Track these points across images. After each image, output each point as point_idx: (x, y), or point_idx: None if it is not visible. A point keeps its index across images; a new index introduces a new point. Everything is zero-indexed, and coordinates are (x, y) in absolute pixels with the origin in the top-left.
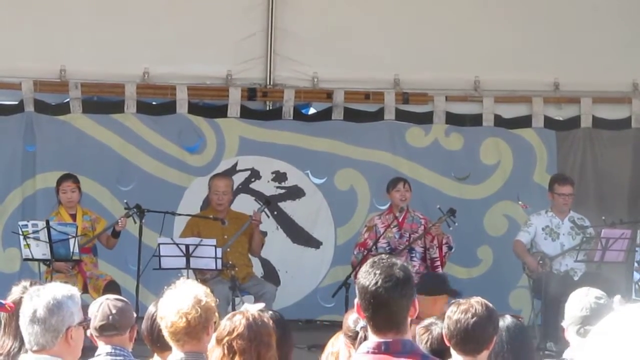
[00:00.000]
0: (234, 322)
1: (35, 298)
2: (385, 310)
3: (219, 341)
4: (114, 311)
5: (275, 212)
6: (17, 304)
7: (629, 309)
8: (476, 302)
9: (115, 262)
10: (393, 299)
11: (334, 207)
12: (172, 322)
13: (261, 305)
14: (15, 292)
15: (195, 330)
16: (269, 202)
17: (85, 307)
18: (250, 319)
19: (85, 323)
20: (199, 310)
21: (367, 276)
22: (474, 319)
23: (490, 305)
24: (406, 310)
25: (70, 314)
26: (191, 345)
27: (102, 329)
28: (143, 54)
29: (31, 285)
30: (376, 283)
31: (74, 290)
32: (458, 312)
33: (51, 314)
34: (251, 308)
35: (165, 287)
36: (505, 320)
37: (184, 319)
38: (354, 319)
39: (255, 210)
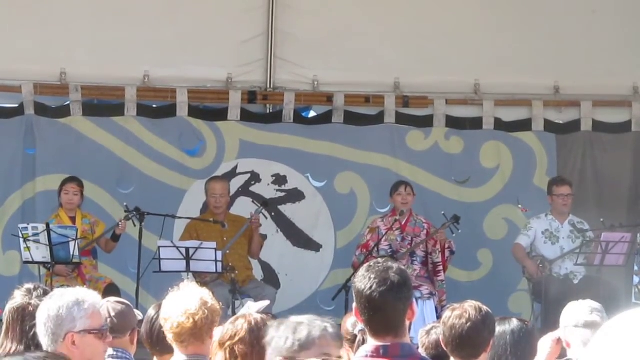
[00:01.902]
0: (236, 326)
1: (49, 299)
2: (381, 314)
3: (221, 345)
4: (112, 314)
5: (273, 214)
6: (22, 309)
7: (636, 312)
8: (470, 307)
9: (115, 265)
10: (388, 303)
11: (334, 210)
12: (179, 322)
13: (266, 303)
14: (18, 296)
15: (201, 331)
16: (266, 204)
17: None
18: (253, 323)
19: (97, 332)
20: (206, 311)
21: (363, 280)
22: (468, 324)
23: (485, 308)
24: (403, 314)
25: (71, 320)
26: (195, 347)
27: None
28: (143, 56)
29: (35, 289)
30: (371, 287)
31: (88, 297)
32: (452, 317)
33: (49, 317)
34: (253, 307)
35: (170, 289)
36: (511, 324)
37: (191, 320)
38: (352, 322)
39: (253, 212)
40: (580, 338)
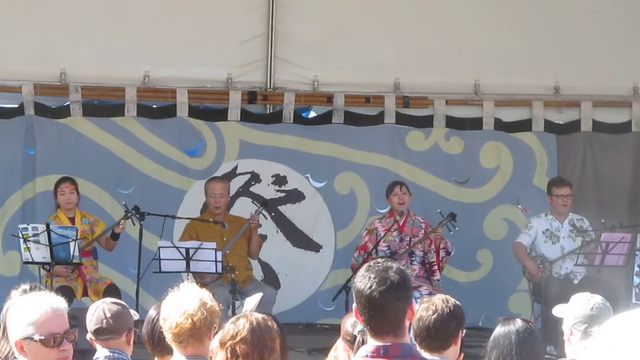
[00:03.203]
0: (238, 326)
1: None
2: (381, 314)
3: (222, 345)
4: (108, 315)
5: (273, 214)
6: None
7: (634, 313)
8: (438, 299)
9: (115, 265)
10: (388, 302)
11: (334, 211)
12: (177, 322)
13: (259, 295)
14: (15, 296)
15: (199, 332)
16: (266, 204)
17: (84, 310)
18: (254, 323)
19: (39, 340)
20: (205, 312)
21: (362, 280)
22: (434, 316)
23: (453, 300)
24: (403, 314)
25: (17, 326)
26: (194, 348)
27: (97, 333)
28: (143, 57)
29: (31, 289)
30: (370, 287)
31: (38, 304)
32: (420, 310)
33: (7, 322)
34: (251, 302)
35: (170, 289)
36: (516, 324)
37: (190, 320)
38: (351, 322)
39: (253, 213)
40: (582, 340)
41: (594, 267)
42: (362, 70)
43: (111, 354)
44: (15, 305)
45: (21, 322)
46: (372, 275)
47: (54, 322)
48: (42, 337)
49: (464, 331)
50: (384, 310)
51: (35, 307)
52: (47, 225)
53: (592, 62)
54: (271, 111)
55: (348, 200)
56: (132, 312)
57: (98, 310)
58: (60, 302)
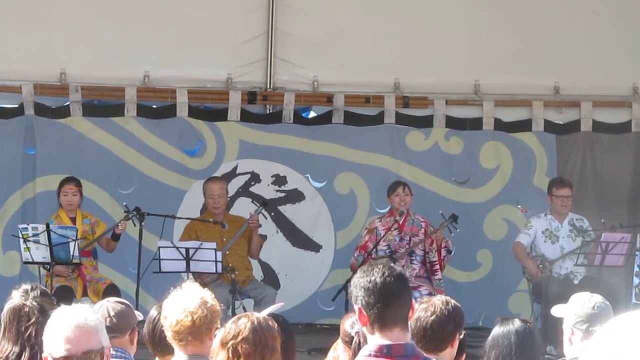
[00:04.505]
0: (239, 325)
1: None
2: (396, 301)
3: (223, 344)
4: (112, 314)
5: (273, 214)
6: (18, 309)
7: (634, 315)
8: (438, 300)
9: (115, 266)
10: (402, 289)
11: (333, 211)
12: (178, 320)
13: (280, 305)
14: (16, 296)
15: (199, 330)
16: (265, 204)
17: None
18: (255, 322)
19: (55, 357)
20: (205, 310)
21: (369, 274)
22: (432, 317)
23: (454, 302)
24: (409, 305)
25: (46, 342)
26: (194, 347)
27: None
28: (143, 57)
29: (32, 289)
30: (383, 274)
31: (60, 319)
32: (419, 310)
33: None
34: (272, 308)
35: (172, 288)
36: (515, 324)
37: (190, 318)
38: (350, 323)
39: (252, 212)
40: (583, 339)
41: (594, 267)
42: (362, 70)
43: (114, 353)
44: (51, 318)
45: (49, 337)
46: (380, 267)
47: (75, 341)
48: (59, 357)
49: (463, 333)
50: (398, 298)
51: (60, 323)
52: (47, 225)
53: (592, 62)
54: (271, 111)
55: (348, 200)
56: (136, 312)
57: (102, 309)
58: (89, 319)
